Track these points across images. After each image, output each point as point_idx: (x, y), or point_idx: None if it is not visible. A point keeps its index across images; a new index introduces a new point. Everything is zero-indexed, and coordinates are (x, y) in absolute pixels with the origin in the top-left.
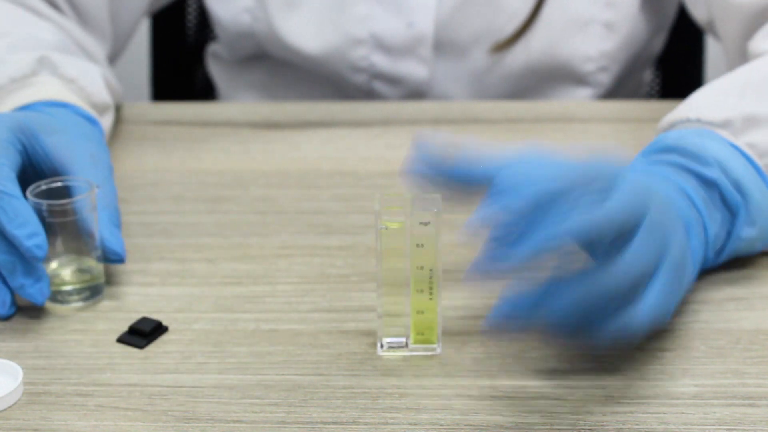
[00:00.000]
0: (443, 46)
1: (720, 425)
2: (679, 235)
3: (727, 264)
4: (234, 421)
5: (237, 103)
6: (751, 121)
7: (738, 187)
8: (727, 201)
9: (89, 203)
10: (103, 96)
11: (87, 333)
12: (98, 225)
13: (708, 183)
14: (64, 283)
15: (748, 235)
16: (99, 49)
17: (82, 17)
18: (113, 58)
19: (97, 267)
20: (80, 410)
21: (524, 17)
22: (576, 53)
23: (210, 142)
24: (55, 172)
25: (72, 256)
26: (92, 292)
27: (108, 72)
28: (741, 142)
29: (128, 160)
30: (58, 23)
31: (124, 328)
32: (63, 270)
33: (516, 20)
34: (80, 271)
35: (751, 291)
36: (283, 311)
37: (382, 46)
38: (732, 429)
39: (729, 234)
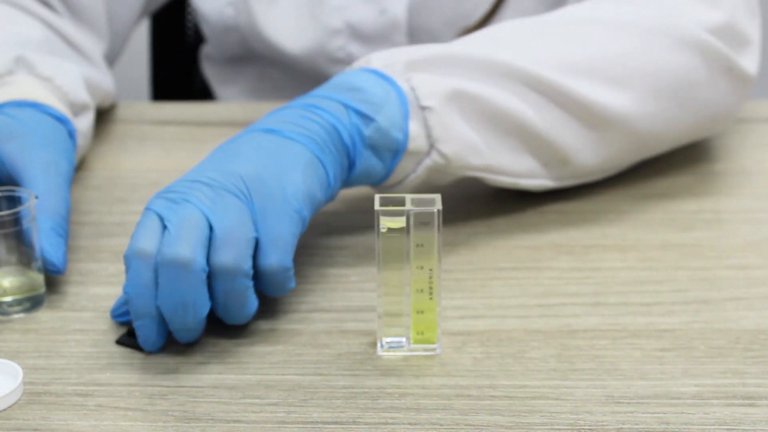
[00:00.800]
0: (416, 32)
1: (720, 425)
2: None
3: (728, 264)
4: (234, 421)
5: (236, 103)
6: (413, 65)
7: (351, 85)
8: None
9: (29, 214)
10: (81, 95)
11: (87, 333)
12: (39, 235)
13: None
14: (5, 294)
15: (373, 124)
16: (95, 47)
17: (76, 15)
18: (112, 58)
19: (38, 278)
20: (80, 410)
21: (493, 0)
22: None
23: (210, 142)
24: (10, 180)
25: (12, 267)
26: (33, 303)
27: (97, 71)
28: (375, 63)
29: (128, 160)
30: (47, 21)
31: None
32: (3, 281)
33: (485, 4)
34: (21, 282)
35: (751, 291)
36: (283, 311)
37: (357, 35)
38: (732, 429)
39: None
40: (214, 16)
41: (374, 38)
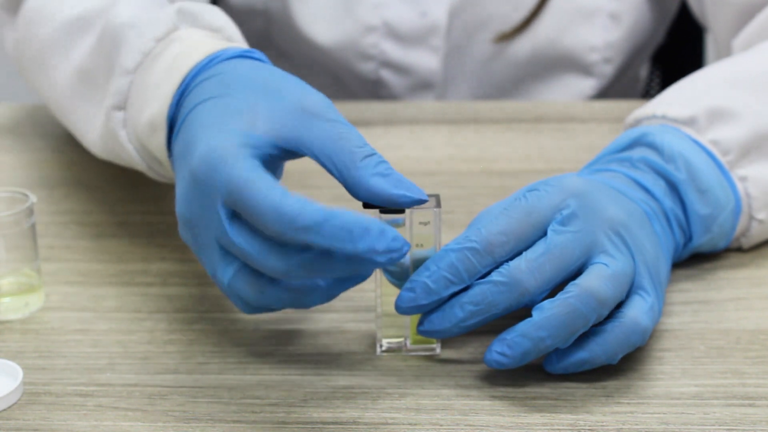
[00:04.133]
0: (452, 34)
1: (720, 425)
2: (644, 228)
3: (728, 264)
4: (234, 421)
5: None
6: (714, 116)
7: (699, 184)
8: (683, 196)
9: (28, 214)
10: (243, 41)
11: (87, 333)
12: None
13: (667, 177)
14: (3, 295)
15: (707, 234)
16: None
17: None
18: None
19: (37, 278)
20: (80, 410)
21: (531, 6)
22: (581, 43)
23: None
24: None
25: (11, 267)
26: (30, 303)
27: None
28: (705, 139)
29: None
30: None
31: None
32: (1, 281)
33: (523, 8)
34: (19, 282)
35: (751, 291)
36: (283, 311)
37: (393, 34)
38: (732, 429)
39: (683, 228)
40: None
41: (411, 39)
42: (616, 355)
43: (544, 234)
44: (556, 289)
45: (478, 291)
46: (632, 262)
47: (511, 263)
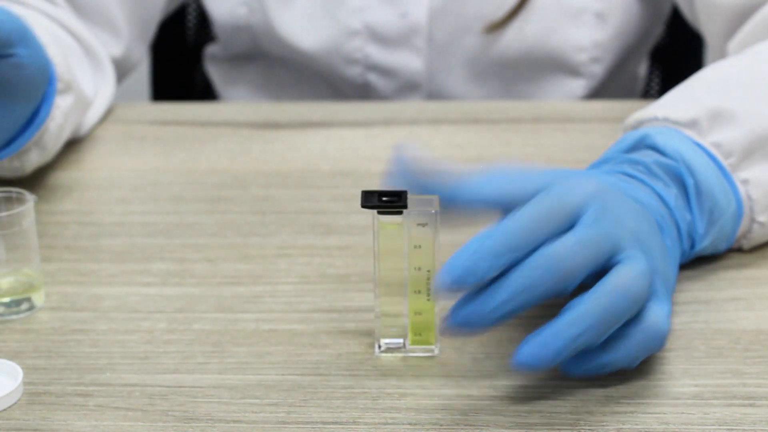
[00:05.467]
0: (435, 35)
1: (720, 425)
2: (656, 241)
3: (728, 264)
4: (234, 421)
5: (237, 103)
6: (716, 118)
7: (700, 187)
8: (689, 200)
9: (28, 214)
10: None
11: (87, 333)
12: None
13: (676, 179)
14: (3, 295)
15: (708, 238)
16: (106, 48)
17: (87, 16)
18: (134, 61)
19: (37, 278)
20: (80, 410)
21: (514, 5)
22: (568, 42)
23: (210, 142)
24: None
25: (11, 268)
26: (30, 304)
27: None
28: (707, 141)
29: (128, 160)
30: (55, 18)
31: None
32: (1, 281)
33: (505, 9)
34: (19, 282)
35: (751, 291)
36: (283, 311)
37: (376, 37)
38: (732, 429)
39: (691, 235)
40: (224, 16)
41: (393, 41)
42: (636, 360)
43: (571, 227)
44: (575, 291)
45: (517, 274)
46: (649, 267)
47: (548, 247)
